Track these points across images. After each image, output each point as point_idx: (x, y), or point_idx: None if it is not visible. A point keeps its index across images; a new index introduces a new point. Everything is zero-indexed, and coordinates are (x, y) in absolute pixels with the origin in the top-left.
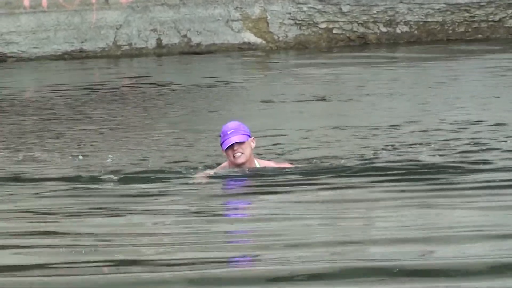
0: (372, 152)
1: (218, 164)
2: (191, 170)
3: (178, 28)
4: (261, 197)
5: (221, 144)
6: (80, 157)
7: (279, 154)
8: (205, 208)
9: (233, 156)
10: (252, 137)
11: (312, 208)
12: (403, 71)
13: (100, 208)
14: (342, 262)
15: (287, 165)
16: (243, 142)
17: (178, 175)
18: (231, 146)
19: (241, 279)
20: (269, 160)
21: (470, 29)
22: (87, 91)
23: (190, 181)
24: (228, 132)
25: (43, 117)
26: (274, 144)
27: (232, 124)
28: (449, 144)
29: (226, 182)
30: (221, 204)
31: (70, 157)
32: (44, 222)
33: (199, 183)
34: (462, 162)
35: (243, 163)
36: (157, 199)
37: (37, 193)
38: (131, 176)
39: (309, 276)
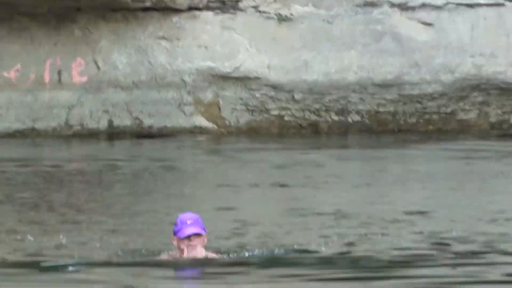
0: (317, 242)
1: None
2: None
3: (130, 110)
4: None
5: (175, 232)
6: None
7: (225, 239)
8: None
9: (187, 247)
10: (205, 234)
11: None
12: (354, 159)
13: None
14: None
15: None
16: (200, 235)
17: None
18: (188, 236)
19: None
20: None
21: (421, 120)
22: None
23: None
24: (188, 222)
25: None
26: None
27: (191, 215)
28: (401, 235)
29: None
30: None
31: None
32: None
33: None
34: (409, 256)
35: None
36: None
37: None
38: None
39: None
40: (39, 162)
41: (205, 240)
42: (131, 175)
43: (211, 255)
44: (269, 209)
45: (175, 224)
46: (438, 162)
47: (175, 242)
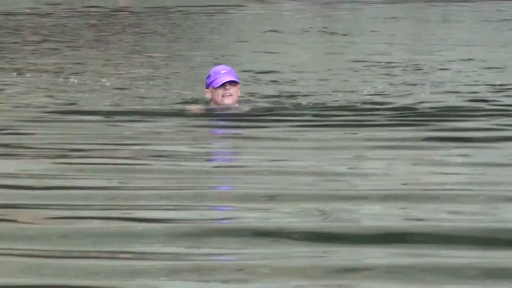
0: (362, 93)
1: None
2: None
3: None
4: (246, 143)
5: (210, 83)
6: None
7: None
8: (194, 151)
9: (222, 96)
10: (239, 86)
11: (299, 157)
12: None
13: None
14: (328, 222)
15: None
16: (236, 83)
17: (164, 111)
18: (223, 84)
19: (226, 231)
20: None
21: None
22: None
23: (186, 112)
24: (222, 72)
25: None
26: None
27: (224, 67)
28: (443, 86)
29: (215, 122)
30: (209, 148)
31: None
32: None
33: (193, 114)
34: (457, 107)
35: (230, 105)
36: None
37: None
38: (121, 112)
39: (293, 234)
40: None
41: (239, 91)
42: (176, 19)
43: (245, 107)
44: (313, 56)
45: (208, 76)
46: None
47: (208, 95)
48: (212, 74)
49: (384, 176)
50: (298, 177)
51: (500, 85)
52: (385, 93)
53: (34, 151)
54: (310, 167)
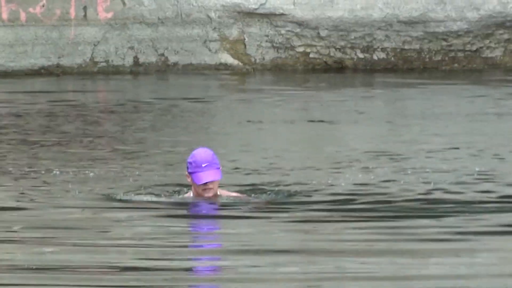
0: (341, 184)
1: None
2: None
3: (155, 47)
4: (226, 229)
5: (190, 173)
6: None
7: (245, 175)
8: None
9: (203, 190)
10: (220, 174)
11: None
12: (380, 97)
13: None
14: None
15: (245, 197)
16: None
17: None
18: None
19: None
20: (230, 191)
21: (447, 58)
22: (61, 107)
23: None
24: (203, 165)
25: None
26: (242, 169)
27: (205, 155)
28: (427, 178)
29: (192, 210)
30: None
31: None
32: None
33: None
34: (435, 201)
35: (210, 197)
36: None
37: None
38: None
39: None
40: (65, 99)
41: (219, 180)
42: (157, 112)
43: (227, 193)
44: (294, 146)
45: (189, 162)
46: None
47: (189, 180)
48: (193, 164)
49: None
50: None
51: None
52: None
53: None
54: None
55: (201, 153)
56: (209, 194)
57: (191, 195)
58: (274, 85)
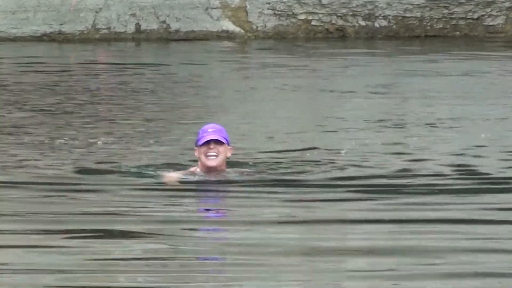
0: (344, 158)
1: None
2: (155, 171)
3: (157, 14)
4: (231, 209)
5: (196, 141)
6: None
7: (246, 152)
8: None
9: (206, 155)
10: (230, 146)
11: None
12: (380, 65)
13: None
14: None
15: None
16: (221, 143)
17: (142, 175)
18: (208, 142)
19: None
20: (239, 169)
21: (448, 26)
22: (63, 75)
23: (157, 180)
24: (209, 130)
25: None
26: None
27: (214, 125)
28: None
29: (193, 188)
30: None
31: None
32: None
33: (165, 184)
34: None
35: (214, 167)
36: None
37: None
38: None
39: None
40: (66, 65)
41: (228, 153)
42: (157, 81)
43: (233, 171)
44: (295, 114)
45: (198, 133)
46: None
47: (196, 153)
48: (200, 132)
49: None
50: None
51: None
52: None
53: None
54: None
55: (210, 124)
56: (212, 162)
57: (197, 169)
58: (276, 53)
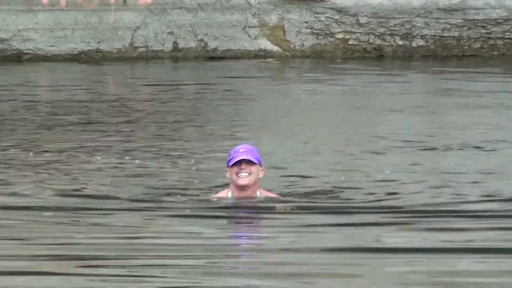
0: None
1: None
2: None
3: (195, 32)
4: (261, 233)
5: (228, 162)
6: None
7: (283, 171)
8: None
9: (237, 174)
10: (262, 167)
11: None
12: (418, 84)
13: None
14: None
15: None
16: (253, 163)
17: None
18: (239, 162)
19: None
20: (273, 192)
21: (486, 46)
22: (100, 95)
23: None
24: (240, 150)
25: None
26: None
27: (245, 145)
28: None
29: (224, 211)
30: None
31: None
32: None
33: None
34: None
35: (246, 186)
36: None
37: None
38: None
39: None
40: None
41: (260, 174)
42: (194, 98)
43: (266, 193)
44: (332, 134)
45: (229, 154)
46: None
47: (228, 174)
48: (232, 153)
49: None
50: None
51: None
52: None
53: None
54: None
55: (241, 144)
56: (244, 180)
57: (228, 194)
58: (313, 72)
